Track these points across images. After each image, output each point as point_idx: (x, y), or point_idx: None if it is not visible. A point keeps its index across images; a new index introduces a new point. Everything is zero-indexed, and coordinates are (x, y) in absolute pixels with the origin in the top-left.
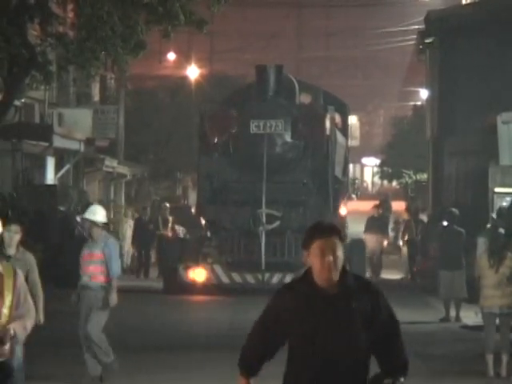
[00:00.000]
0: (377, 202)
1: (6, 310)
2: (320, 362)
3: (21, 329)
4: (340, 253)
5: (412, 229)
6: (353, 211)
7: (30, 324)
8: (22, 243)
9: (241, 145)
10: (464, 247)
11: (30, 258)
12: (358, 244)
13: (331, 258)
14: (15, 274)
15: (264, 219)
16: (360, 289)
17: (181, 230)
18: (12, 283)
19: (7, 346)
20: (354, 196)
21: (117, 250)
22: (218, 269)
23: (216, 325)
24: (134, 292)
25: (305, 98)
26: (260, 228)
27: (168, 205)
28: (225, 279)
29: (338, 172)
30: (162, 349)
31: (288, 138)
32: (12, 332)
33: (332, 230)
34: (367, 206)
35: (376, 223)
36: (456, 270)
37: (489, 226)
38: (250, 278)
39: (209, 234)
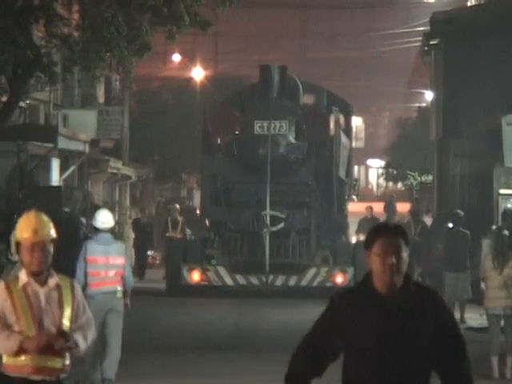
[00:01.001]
0: (370, 204)
1: (66, 321)
2: (378, 378)
3: (81, 340)
4: (405, 256)
5: (411, 230)
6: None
7: (90, 335)
8: None
9: (244, 146)
10: (469, 249)
11: None
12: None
13: (394, 260)
14: (73, 286)
15: (268, 221)
16: (424, 299)
17: (187, 232)
18: (71, 295)
19: (68, 361)
20: (354, 197)
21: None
22: (222, 270)
23: (220, 326)
24: (136, 294)
25: (308, 99)
26: (264, 229)
27: (178, 206)
28: (228, 281)
29: (342, 173)
30: (163, 350)
31: (292, 139)
32: (72, 344)
33: (397, 230)
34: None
35: (369, 225)
36: (461, 271)
37: (494, 227)
38: (253, 280)
39: (212, 235)
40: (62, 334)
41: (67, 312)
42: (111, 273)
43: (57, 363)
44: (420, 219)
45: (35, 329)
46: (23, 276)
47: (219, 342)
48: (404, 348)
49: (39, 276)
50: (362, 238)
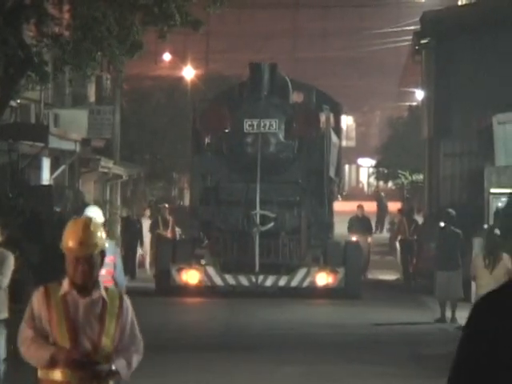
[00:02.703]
0: (361, 203)
1: (107, 340)
2: None
3: (124, 365)
4: None
5: (404, 229)
6: (345, 212)
7: (136, 359)
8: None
9: (234, 144)
10: (461, 248)
11: (5, 254)
12: (354, 246)
13: None
14: (122, 301)
15: (258, 220)
16: None
17: (177, 231)
18: (117, 310)
19: None
20: (339, 196)
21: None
22: (211, 270)
23: (210, 326)
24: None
25: (297, 97)
26: (254, 229)
27: (167, 205)
28: (218, 281)
29: (332, 172)
30: (151, 349)
31: (282, 138)
32: (113, 368)
33: None
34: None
35: (359, 223)
36: (453, 270)
37: (485, 226)
38: (243, 280)
39: (202, 235)
40: (102, 355)
41: (110, 328)
42: (102, 271)
43: None
44: (414, 219)
45: (69, 342)
46: (66, 285)
47: (209, 342)
48: None
49: (83, 288)
50: (354, 237)
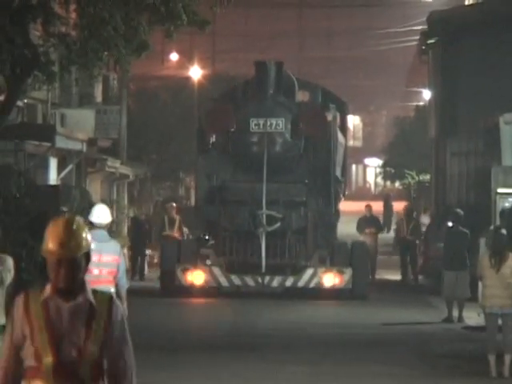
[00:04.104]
0: (369, 203)
1: (94, 346)
2: None
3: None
4: None
5: (403, 228)
6: (353, 212)
7: (127, 380)
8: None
9: (240, 143)
10: (468, 248)
11: (5, 258)
12: (361, 246)
13: None
14: (111, 304)
15: (264, 220)
16: None
17: (185, 231)
18: (106, 314)
19: None
20: (341, 196)
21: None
22: (217, 271)
23: (216, 326)
24: (129, 294)
25: (302, 96)
26: (260, 229)
27: (175, 204)
28: (223, 282)
29: (338, 172)
30: (156, 350)
31: (288, 137)
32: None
33: None
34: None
35: (368, 223)
36: (460, 270)
37: (492, 226)
38: (249, 281)
39: (207, 235)
40: (88, 363)
41: (97, 334)
42: (104, 271)
43: None
44: (413, 218)
45: (51, 351)
46: (48, 290)
47: (215, 342)
48: None
49: (66, 293)
50: (361, 238)
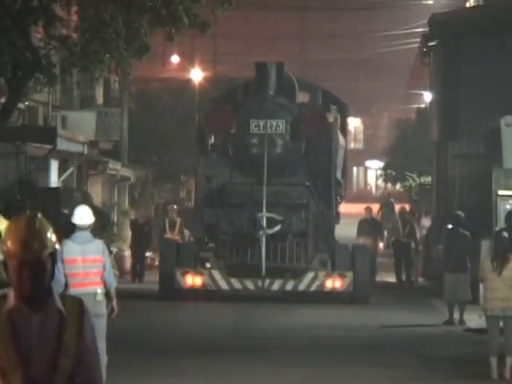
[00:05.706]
0: (369, 205)
1: (66, 360)
2: None
3: None
4: None
5: (399, 230)
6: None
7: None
8: None
9: (240, 145)
10: (469, 250)
11: None
12: (362, 249)
13: None
14: (81, 313)
15: (264, 223)
16: None
17: (186, 234)
18: (77, 324)
19: None
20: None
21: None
22: (217, 274)
23: (216, 329)
24: (128, 297)
25: (303, 97)
26: (260, 232)
27: (176, 207)
28: (223, 285)
29: (339, 174)
30: (156, 353)
31: (289, 139)
32: None
33: None
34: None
35: (368, 226)
36: (461, 272)
37: (496, 229)
38: (249, 284)
39: (207, 238)
40: (61, 378)
41: (69, 347)
42: (90, 272)
43: None
44: (408, 220)
45: (19, 369)
46: (11, 298)
47: (215, 345)
48: None
49: (32, 300)
50: (363, 240)
